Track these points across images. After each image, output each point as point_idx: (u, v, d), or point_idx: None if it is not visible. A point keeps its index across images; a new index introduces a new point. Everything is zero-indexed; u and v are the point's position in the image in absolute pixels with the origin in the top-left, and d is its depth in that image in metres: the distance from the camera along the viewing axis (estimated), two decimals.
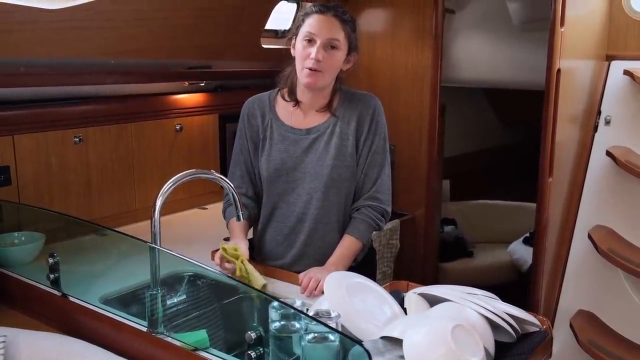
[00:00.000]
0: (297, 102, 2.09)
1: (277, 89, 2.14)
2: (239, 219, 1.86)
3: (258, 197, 2.17)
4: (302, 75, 2.00)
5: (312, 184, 2.05)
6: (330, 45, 1.97)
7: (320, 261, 2.04)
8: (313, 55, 1.95)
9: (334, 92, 2.08)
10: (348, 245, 2.03)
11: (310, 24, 1.98)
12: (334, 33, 1.97)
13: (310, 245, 2.09)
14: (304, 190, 2.06)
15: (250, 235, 2.21)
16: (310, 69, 1.96)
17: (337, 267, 1.97)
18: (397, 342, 1.41)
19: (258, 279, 1.94)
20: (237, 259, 1.97)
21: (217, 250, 2.04)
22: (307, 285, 1.89)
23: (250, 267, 1.95)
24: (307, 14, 2.01)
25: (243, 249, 2.02)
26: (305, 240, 2.09)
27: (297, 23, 2.04)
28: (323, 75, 1.98)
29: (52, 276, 1.85)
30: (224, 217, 2.19)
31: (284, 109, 2.11)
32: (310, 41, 1.97)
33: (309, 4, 2.00)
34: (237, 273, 1.94)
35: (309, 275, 1.92)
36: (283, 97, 2.12)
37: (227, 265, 1.98)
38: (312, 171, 2.05)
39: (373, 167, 2.07)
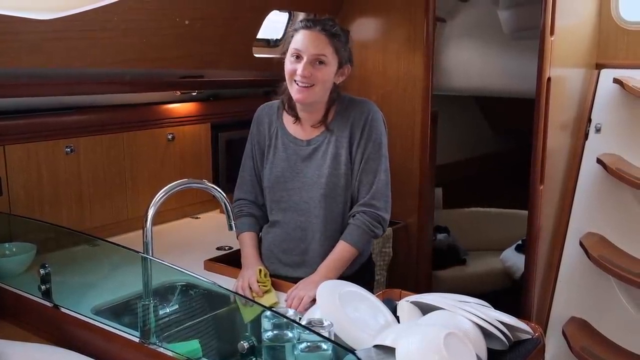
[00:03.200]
0: (297, 118, 2.10)
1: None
2: (230, 229, 1.88)
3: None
4: (292, 91, 2.00)
5: (310, 194, 2.06)
6: (317, 61, 1.96)
7: (313, 269, 2.03)
8: (300, 71, 1.95)
9: (329, 105, 2.07)
10: (340, 252, 2.02)
11: (298, 39, 1.97)
12: (320, 49, 1.95)
13: (308, 254, 2.09)
14: (302, 199, 2.07)
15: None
16: (299, 85, 1.97)
17: (327, 274, 1.96)
18: (389, 351, 1.41)
19: (272, 298, 1.97)
20: (265, 285, 2.01)
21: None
22: (291, 305, 1.87)
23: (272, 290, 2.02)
24: (295, 30, 2.01)
25: (265, 271, 2.06)
26: (302, 249, 2.10)
27: (288, 39, 2.04)
28: (313, 90, 1.97)
29: (43, 287, 1.84)
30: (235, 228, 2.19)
31: (289, 119, 2.13)
32: (298, 57, 1.97)
33: (299, 19, 1.99)
34: (262, 297, 1.98)
35: (293, 294, 1.91)
36: (286, 110, 2.13)
37: (255, 287, 1.99)
38: (310, 181, 2.06)
39: (367, 174, 2.06)
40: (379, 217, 2.05)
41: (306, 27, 1.98)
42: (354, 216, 2.06)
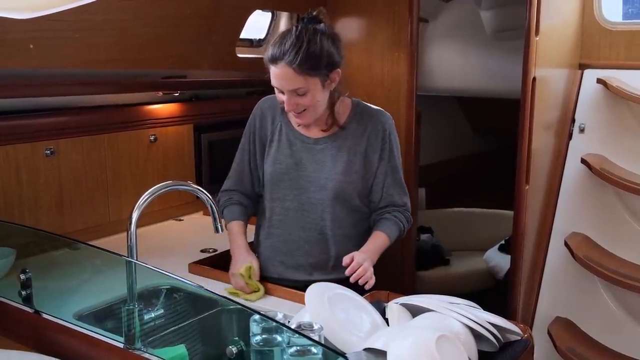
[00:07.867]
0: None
1: None
2: (216, 231, 1.85)
3: (256, 196, 2.18)
4: (290, 117, 2.03)
5: (318, 195, 2.03)
6: (296, 93, 1.92)
7: (318, 271, 2.04)
8: (286, 106, 1.95)
9: (331, 108, 2.04)
10: (383, 241, 2.05)
11: (272, 75, 1.93)
12: (292, 84, 1.90)
13: (311, 256, 2.07)
14: (309, 200, 2.04)
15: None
16: (294, 113, 1.97)
17: (372, 256, 1.98)
18: (380, 354, 1.40)
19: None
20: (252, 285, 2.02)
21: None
22: (355, 269, 1.87)
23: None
24: (266, 63, 1.95)
25: (255, 268, 2.05)
26: (306, 250, 2.07)
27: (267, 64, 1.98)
28: (309, 112, 1.97)
29: (24, 293, 1.80)
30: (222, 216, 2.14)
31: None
32: (280, 90, 1.95)
33: (267, 50, 1.94)
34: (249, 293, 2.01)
35: (354, 264, 1.88)
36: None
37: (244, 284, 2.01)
38: (318, 182, 2.03)
39: (396, 186, 2.11)
40: (410, 218, 2.14)
41: (273, 63, 1.91)
42: (389, 212, 2.09)
